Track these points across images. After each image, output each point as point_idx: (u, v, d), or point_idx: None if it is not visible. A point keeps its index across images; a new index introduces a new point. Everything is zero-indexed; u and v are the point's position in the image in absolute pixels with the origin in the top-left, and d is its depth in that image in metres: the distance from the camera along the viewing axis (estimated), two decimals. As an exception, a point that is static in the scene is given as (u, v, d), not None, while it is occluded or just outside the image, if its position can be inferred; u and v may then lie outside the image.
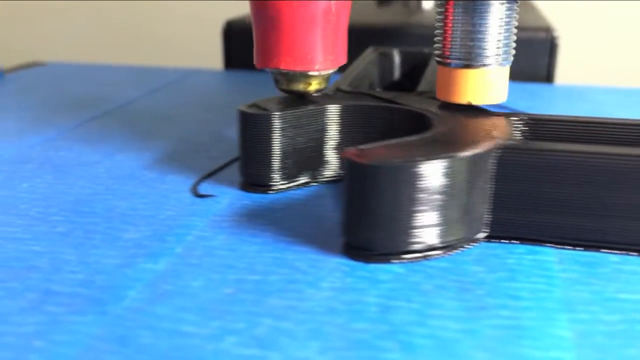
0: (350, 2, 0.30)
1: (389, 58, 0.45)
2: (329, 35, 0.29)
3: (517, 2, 0.29)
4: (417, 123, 0.29)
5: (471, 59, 0.29)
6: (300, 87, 0.30)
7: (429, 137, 0.26)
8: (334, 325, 0.20)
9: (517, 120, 0.28)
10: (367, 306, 0.21)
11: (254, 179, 0.31)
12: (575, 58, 1.00)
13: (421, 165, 0.23)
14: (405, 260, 0.24)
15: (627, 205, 0.24)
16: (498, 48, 0.28)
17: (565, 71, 0.70)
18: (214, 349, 0.19)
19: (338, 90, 0.33)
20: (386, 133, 0.30)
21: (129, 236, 0.26)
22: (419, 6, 0.75)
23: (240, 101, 0.31)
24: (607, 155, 0.24)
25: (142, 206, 0.29)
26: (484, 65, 0.29)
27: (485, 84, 0.29)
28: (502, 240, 0.26)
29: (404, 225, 0.24)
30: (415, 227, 0.24)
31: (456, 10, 0.29)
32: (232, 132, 0.40)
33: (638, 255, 0.25)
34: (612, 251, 0.25)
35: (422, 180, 0.23)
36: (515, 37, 0.29)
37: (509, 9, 0.28)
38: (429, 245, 0.24)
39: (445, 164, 0.23)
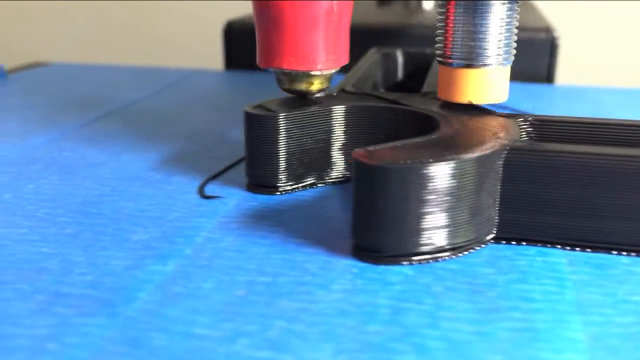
0: (352, 2, 0.30)
1: (392, 59, 0.45)
2: (331, 35, 0.29)
3: (518, 2, 0.29)
4: (423, 124, 0.29)
5: (472, 59, 0.29)
6: (302, 86, 0.31)
7: (436, 139, 0.26)
8: (346, 328, 0.20)
9: (523, 121, 0.28)
10: (378, 308, 0.21)
11: (261, 180, 0.31)
12: (576, 58, 1.00)
13: (430, 167, 0.23)
14: (414, 262, 0.24)
15: (632, 207, 0.24)
16: (499, 48, 0.29)
17: (566, 72, 0.69)
18: (226, 351, 0.19)
19: (342, 91, 0.33)
20: (391, 134, 0.30)
21: (137, 238, 0.26)
22: (420, 6, 0.75)
23: (243, 101, 0.31)
24: (613, 156, 0.24)
25: (149, 207, 0.29)
26: (485, 65, 0.29)
27: (486, 83, 0.29)
28: (511, 242, 0.26)
29: (412, 227, 0.24)
30: (424, 229, 0.24)
31: (457, 10, 0.29)
32: (237, 132, 0.40)
33: (647, 257, 0.25)
34: (620, 252, 0.25)
35: (430, 182, 0.23)
36: (516, 37, 0.29)
37: (509, 9, 0.28)
38: (438, 247, 0.24)
39: (453, 165, 0.23)
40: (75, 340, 0.20)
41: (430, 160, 0.23)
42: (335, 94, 0.33)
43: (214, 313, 0.21)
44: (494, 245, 0.25)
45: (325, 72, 0.30)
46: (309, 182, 0.31)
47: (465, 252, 0.25)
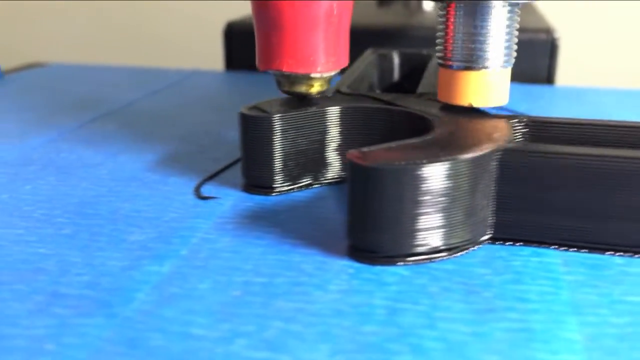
0: (352, 3, 0.30)
1: (388, 59, 0.45)
2: (331, 37, 0.29)
3: (519, 5, 0.29)
4: (418, 125, 0.29)
5: (472, 61, 0.29)
6: (302, 89, 0.31)
7: (431, 140, 0.26)
8: (343, 328, 0.20)
9: (518, 122, 0.28)
10: (374, 309, 0.21)
11: (257, 180, 0.31)
12: (576, 59, 1.00)
13: (424, 168, 0.23)
14: (410, 263, 0.24)
15: (628, 208, 0.24)
16: (499, 50, 0.29)
17: (566, 72, 0.69)
18: (224, 351, 0.19)
19: (338, 92, 0.34)
20: (387, 135, 0.31)
21: (134, 238, 0.26)
22: (420, 7, 0.75)
23: (242, 102, 0.31)
24: (608, 157, 0.24)
25: (145, 208, 0.29)
26: (485, 67, 0.29)
27: (487, 86, 0.29)
28: (506, 243, 0.26)
29: (408, 228, 0.24)
30: (420, 230, 0.24)
31: (457, 12, 0.29)
32: (234, 133, 0.40)
33: (642, 257, 0.25)
34: (615, 253, 0.25)
35: (425, 183, 0.23)
36: (517, 40, 0.29)
37: (510, 11, 0.28)
38: (434, 248, 0.24)
39: (448, 166, 0.23)
40: (73, 341, 0.20)
41: (425, 161, 0.23)
42: (330, 95, 0.33)
43: (211, 313, 0.21)
44: (490, 246, 0.26)
45: (325, 75, 0.30)
46: (305, 183, 0.31)
47: (461, 253, 0.25)
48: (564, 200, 0.25)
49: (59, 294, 0.22)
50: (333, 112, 0.31)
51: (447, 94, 0.30)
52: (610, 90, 0.55)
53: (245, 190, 0.31)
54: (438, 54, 0.30)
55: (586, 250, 0.25)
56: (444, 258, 0.24)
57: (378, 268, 0.24)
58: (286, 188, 0.31)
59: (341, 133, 0.31)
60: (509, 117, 0.28)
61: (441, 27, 0.30)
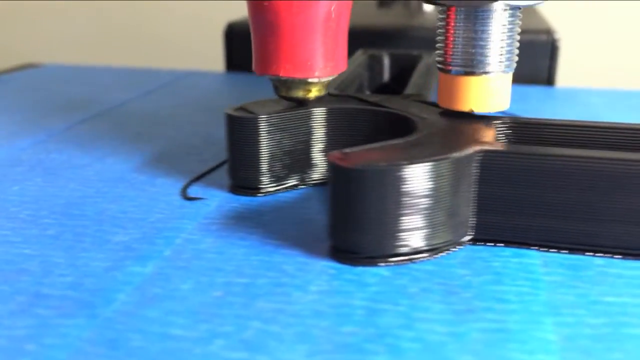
0: (350, 8, 0.30)
1: (378, 60, 0.45)
2: (329, 41, 0.29)
3: (520, 9, 0.28)
4: (402, 126, 0.29)
5: (473, 66, 0.28)
6: (299, 94, 0.30)
7: (413, 141, 0.26)
8: (322, 329, 0.20)
9: (501, 123, 0.28)
10: (353, 309, 0.22)
11: (243, 181, 0.31)
12: (577, 60, 1.00)
13: (405, 169, 0.23)
14: (391, 263, 0.24)
15: (609, 208, 0.24)
16: (500, 55, 0.28)
17: (567, 73, 0.69)
18: (202, 352, 0.19)
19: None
20: (372, 136, 0.31)
21: (118, 239, 0.26)
22: (420, 8, 0.75)
23: (234, 103, 0.31)
24: (589, 158, 0.24)
25: (131, 209, 0.29)
26: (486, 72, 0.28)
27: (488, 91, 0.29)
28: (488, 244, 0.26)
29: (389, 229, 0.24)
30: (401, 230, 0.24)
31: (458, 16, 0.28)
32: (223, 134, 0.40)
33: (622, 258, 0.25)
34: (596, 254, 0.25)
35: (406, 184, 0.23)
36: (518, 44, 0.29)
37: (511, 16, 0.28)
38: (415, 249, 0.24)
39: (429, 167, 0.24)
40: (53, 341, 0.20)
41: (406, 162, 0.23)
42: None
43: (191, 314, 0.21)
44: (471, 247, 0.26)
45: (323, 79, 0.30)
46: (291, 184, 0.31)
47: (442, 254, 0.25)
48: (543, 201, 0.25)
49: (41, 295, 0.22)
50: (319, 113, 0.31)
51: (447, 100, 0.29)
52: (600, 90, 0.55)
53: (231, 191, 0.31)
54: (438, 59, 0.30)
55: (566, 251, 0.25)
56: (425, 259, 0.25)
57: (359, 269, 0.24)
58: (272, 189, 0.31)
59: (327, 134, 0.31)
60: (492, 119, 0.29)
61: (441, 31, 0.29)
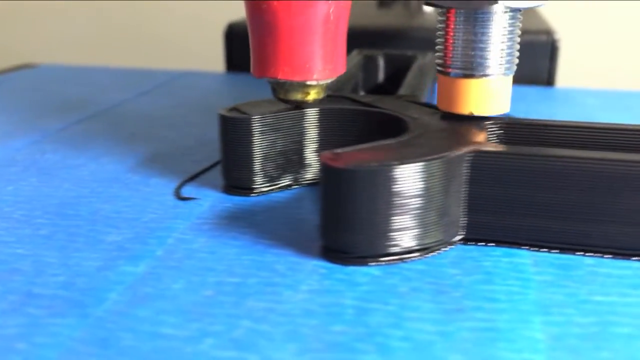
0: (349, 10, 0.30)
1: (373, 61, 0.45)
2: (327, 43, 0.29)
3: (521, 11, 0.28)
4: (394, 127, 0.29)
5: (472, 69, 0.28)
6: (298, 96, 0.30)
7: (404, 141, 0.26)
8: (311, 328, 0.21)
9: (493, 124, 0.29)
10: (344, 308, 0.22)
11: (236, 182, 0.31)
12: (577, 61, 1.00)
13: (396, 169, 0.23)
14: (382, 263, 0.24)
15: (600, 208, 0.24)
16: (501, 57, 0.28)
17: (567, 74, 0.69)
18: (192, 351, 0.19)
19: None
20: (364, 136, 0.31)
21: (111, 239, 0.26)
22: (420, 8, 0.75)
23: (231, 104, 0.31)
24: (579, 159, 0.24)
25: (125, 209, 0.29)
26: (486, 75, 0.28)
27: (488, 94, 0.28)
28: (479, 243, 0.26)
29: (380, 228, 0.24)
30: (392, 230, 0.24)
31: (457, 18, 0.28)
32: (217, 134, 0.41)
33: (612, 258, 0.25)
34: (587, 254, 0.25)
35: (397, 184, 0.23)
36: (518, 47, 0.29)
37: (512, 18, 0.28)
38: (406, 248, 0.24)
39: (420, 167, 0.24)
40: (44, 340, 0.20)
41: (397, 162, 0.23)
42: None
43: (182, 313, 0.21)
44: (462, 247, 0.26)
45: (322, 82, 0.30)
46: (284, 184, 0.31)
47: (433, 253, 0.25)
48: (534, 201, 0.25)
49: (33, 294, 0.22)
50: (312, 114, 0.31)
51: (447, 102, 0.29)
52: (595, 91, 0.55)
53: (224, 191, 0.31)
54: (437, 61, 0.29)
55: (557, 251, 0.25)
56: (416, 258, 0.25)
57: (350, 268, 0.24)
58: (265, 189, 0.31)
59: (320, 134, 0.31)
60: (483, 119, 0.29)
61: (441, 33, 0.29)
